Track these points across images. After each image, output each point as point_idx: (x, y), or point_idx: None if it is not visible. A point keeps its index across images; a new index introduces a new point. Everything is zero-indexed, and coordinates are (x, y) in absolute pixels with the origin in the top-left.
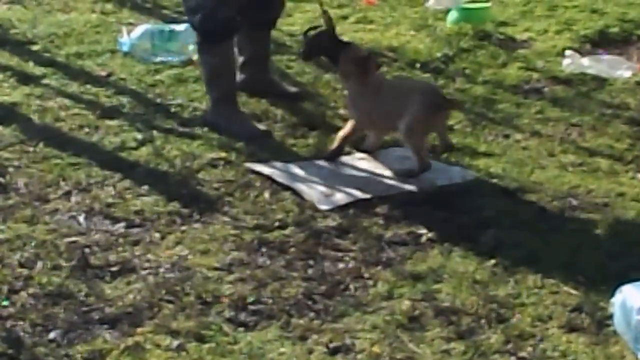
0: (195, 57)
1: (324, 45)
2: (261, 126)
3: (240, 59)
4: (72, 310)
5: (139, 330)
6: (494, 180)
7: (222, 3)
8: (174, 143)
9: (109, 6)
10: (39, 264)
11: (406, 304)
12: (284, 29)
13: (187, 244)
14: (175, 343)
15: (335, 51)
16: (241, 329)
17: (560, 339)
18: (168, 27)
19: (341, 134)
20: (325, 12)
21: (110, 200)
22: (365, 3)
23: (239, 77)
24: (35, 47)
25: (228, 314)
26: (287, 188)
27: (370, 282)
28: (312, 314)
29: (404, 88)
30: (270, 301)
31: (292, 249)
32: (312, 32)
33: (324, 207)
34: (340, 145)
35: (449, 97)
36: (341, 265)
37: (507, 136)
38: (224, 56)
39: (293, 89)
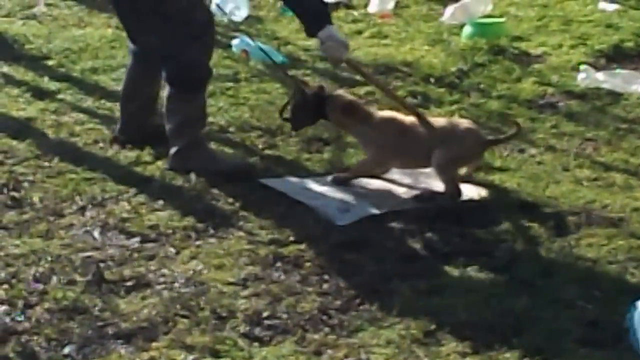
0: None
1: (306, 110)
2: (232, 161)
3: (131, 108)
4: (87, 325)
5: (154, 345)
6: (509, 195)
7: (205, 47)
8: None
9: None
10: (54, 279)
11: (422, 318)
12: (299, 44)
13: (202, 259)
14: (190, 358)
15: (320, 108)
16: (256, 343)
17: (575, 354)
18: None
19: (362, 165)
20: (291, 78)
21: (125, 215)
22: (380, 18)
23: (132, 124)
24: (50, 62)
25: (243, 328)
26: (301, 203)
27: (386, 297)
28: (327, 329)
29: (444, 124)
30: (285, 316)
31: (307, 264)
32: (288, 107)
33: (339, 222)
34: (356, 175)
35: (488, 139)
36: (356, 280)
37: (522, 151)
38: (203, 101)
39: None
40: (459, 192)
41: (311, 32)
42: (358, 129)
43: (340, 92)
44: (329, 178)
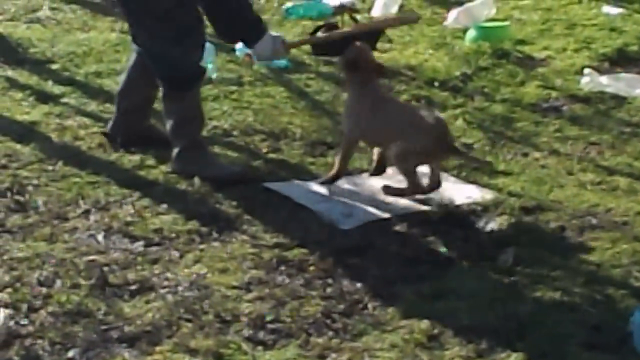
0: (214, 75)
1: (331, 44)
2: (232, 167)
3: (125, 106)
4: (91, 328)
5: (158, 349)
6: (513, 199)
7: (193, 47)
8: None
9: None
10: (58, 283)
11: (425, 322)
12: (303, 48)
13: (205, 263)
14: None
15: (339, 48)
16: (260, 347)
17: (579, 358)
18: None
19: (338, 156)
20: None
21: (129, 218)
22: None
23: (124, 123)
24: (54, 66)
25: (247, 332)
26: (305, 206)
27: (389, 301)
28: (331, 333)
29: (414, 114)
30: (289, 320)
31: (311, 268)
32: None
33: (343, 226)
34: (340, 168)
35: (453, 145)
36: (360, 284)
37: (525, 155)
38: (196, 99)
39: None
40: (419, 187)
41: (251, 46)
42: (353, 94)
43: (365, 47)
44: (316, 182)
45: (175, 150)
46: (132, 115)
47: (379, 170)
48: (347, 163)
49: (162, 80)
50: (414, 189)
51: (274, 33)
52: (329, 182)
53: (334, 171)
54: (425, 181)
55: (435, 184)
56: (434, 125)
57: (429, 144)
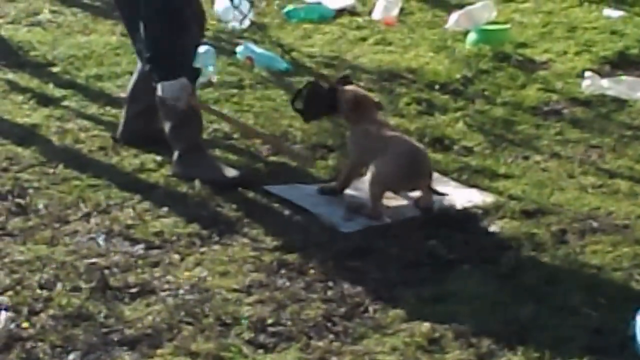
0: (214, 79)
1: (319, 102)
2: (232, 171)
3: (135, 109)
4: (91, 331)
5: (159, 352)
6: (514, 202)
7: (176, 42)
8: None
9: None
10: (59, 286)
11: (426, 326)
12: (304, 51)
13: (206, 266)
14: None
15: (332, 99)
16: (260, 350)
17: None
18: None
19: (342, 174)
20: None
21: (129, 221)
22: (384, 25)
23: (134, 126)
24: (55, 69)
25: (247, 335)
26: (306, 209)
27: (390, 304)
28: (331, 336)
29: (393, 142)
30: (290, 323)
31: (312, 271)
32: (300, 96)
33: (343, 229)
34: (341, 186)
35: (427, 169)
36: (360, 287)
37: (526, 158)
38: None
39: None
40: (378, 215)
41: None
42: (354, 129)
43: (355, 88)
44: (317, 189)
45: (176, 154)
46: (139, 120)
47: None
48: (349, 183)
49: (153, 71)
50: (371, 213)
51: (186, 82)
52: (329, 193)
53: (337, 186)
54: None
55: (427, 210)
56: (407, 156)
57: (398, 174)
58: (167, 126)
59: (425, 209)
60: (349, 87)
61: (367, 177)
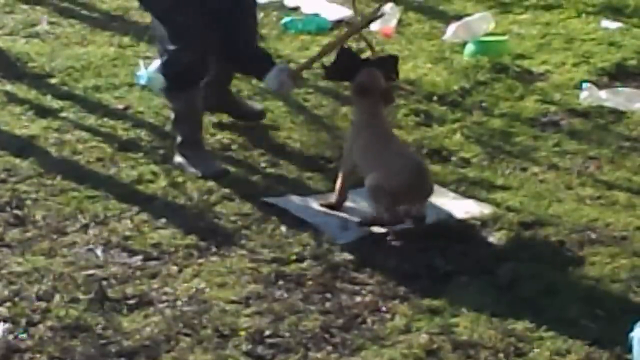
0: None
1: (342, 68)
2: (223, 165)
3: (207, 78)
4: (89, 343)
5: None
6: (512, 214)
7: (184, 48)
8: (191, 176)
9: (126, 39)
10: (57, 297)
11: (424, 337)
12: (301, 62)
13: (204, 277)
14: None
15: (351, 74)
16: None
17: None
18: None
19: (338, 185)
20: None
21: (127, 233)
22: (382, 36)
23: (206, 94)
24: (53, 81)
25: (245, 347)
26: (303, 221)
27: (388, 316)
28: (329, 348)
29: (395, 151)
30: (288, 334)
31: (309, 282)
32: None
33: (340, 240)
34: (340, 196)
35: (428, 186)
36: (358, 299)
37: (524, 169)
38: (189, 102)
39: (257, 107)
40: (382, 222)
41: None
42: (356, 119)
43: (376, 73)
44: (318, 204)
45: (175, 143)
46: (209, 89)
47: None
48: (345, 192)
49: (162, 74)
50: (390, 219)
51: (281, 65)
52: (330, 208)
53: (333, 201)
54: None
55: (419, 220)
56: (409, 170)
57: (400, 187)
58: (171, 116)
59: (417, 219)
60: (367, 70)
61: (367, 185)
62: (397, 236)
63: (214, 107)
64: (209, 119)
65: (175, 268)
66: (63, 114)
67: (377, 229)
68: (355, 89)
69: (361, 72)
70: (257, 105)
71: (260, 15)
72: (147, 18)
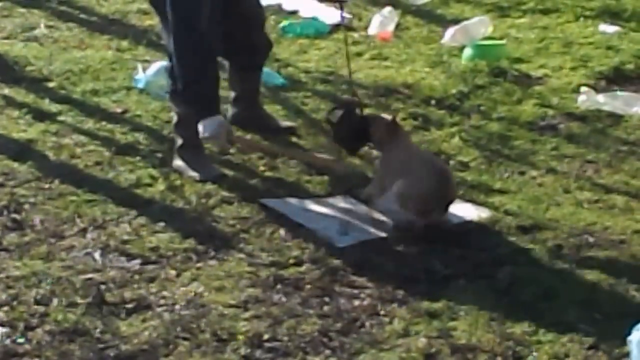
0: None
1: (352, 132)
2: (220, 169)
3: (232, 95)
4: (87, 347)
5: None
6: (510, 218)
7: (191, 51)
8: (189, 179)
9: (124, 43)
10: (55, 301)
11: (422, 341)
12: (300, 66)
13: (202, 281)
14: None
15: (364, 127)
16: None
17: None
18: None
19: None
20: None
21: (125, 237)
22: (380, 40)
23: (231, 111)
24: (51, 84)
25: (244, 351)
26: (302, 225)
27: (386, 320)
28: (327, 352)
29: (420, 158)
30: (286, 338)
31: (308, 286)
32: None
33: (339, 244)
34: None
35: (453, 191)
36: (357, 303)
37: (522, 173)
38: (190, 106)
39: (286, 124)
40: (412, 226)
41: None
42: (387, 153)
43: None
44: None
45: (175, 145)
46: (238, 104)
47: None
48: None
49: (169, 77)
50: (416, 224)
51: (222, 119)
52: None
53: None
54: None
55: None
56: (434, 176)
57: (426, 193)
58: (173, 119)
59: (439, 223)
60: (374, 114)
61: (393, 193)
62: (397, 240)
63: (245, 123)
64: None
65: (173, 272)
66: (61, 118)
67: (380, 234)
68: (386, 131)
69: (375, 118)
70: (285, 122)
71: None
72: (145, 22)
